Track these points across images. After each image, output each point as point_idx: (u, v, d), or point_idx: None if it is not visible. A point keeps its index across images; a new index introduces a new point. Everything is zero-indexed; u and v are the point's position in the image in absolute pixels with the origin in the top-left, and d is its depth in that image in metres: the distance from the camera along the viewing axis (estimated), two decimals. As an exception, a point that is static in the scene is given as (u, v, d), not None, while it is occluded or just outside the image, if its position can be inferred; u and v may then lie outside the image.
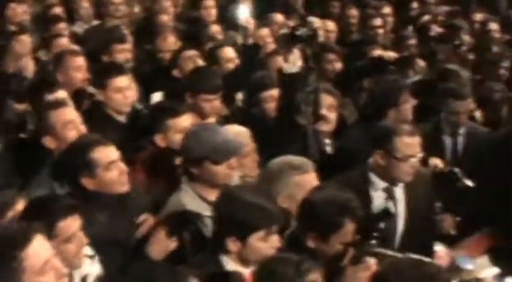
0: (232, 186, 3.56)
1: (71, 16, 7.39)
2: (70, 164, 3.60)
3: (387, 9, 7.98)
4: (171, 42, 6.44)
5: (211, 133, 3.78)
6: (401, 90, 5.11)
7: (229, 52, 6.14)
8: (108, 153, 3.59)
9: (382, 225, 3.48)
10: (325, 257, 3.31)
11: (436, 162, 4.74)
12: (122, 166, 3.61)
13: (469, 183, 4.82)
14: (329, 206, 3.31)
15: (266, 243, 3.14)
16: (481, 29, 7.75)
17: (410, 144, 3.90)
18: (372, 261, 3.17)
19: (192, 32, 7.33)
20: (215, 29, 7.20)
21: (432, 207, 4.33)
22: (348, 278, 3.19)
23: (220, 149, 3.69)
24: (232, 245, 3.15)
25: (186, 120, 4.26)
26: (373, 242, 3.28)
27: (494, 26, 7.68)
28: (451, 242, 5.02)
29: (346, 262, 3.26)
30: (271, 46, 6.67)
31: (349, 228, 3.31)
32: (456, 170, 4.67)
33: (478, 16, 8.23)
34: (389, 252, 3.25)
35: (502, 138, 5.58)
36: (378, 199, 4.00)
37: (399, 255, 3.21)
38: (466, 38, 7.41)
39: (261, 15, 7.80)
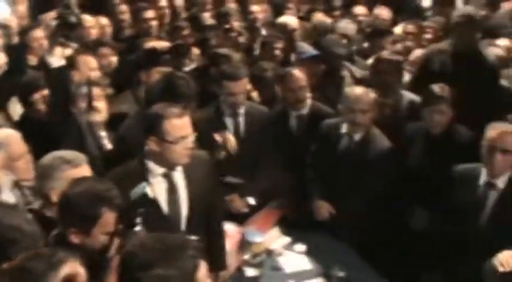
0: None
1: None
2: None
3: (163, 1, 8.04)
4: None
5: None
6: None
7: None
8: None
9: (143, 210, 3.48)
10: (91, 250, 3.24)
11: None
12: None
13: (252, 201, 5.03)
14: (84, 198, 3.23)
15: None
16: (245, 12, 8.02)
17: (179, 125, 3.88)
18: None
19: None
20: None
21: (213, 188, 4.30)
22: (116, 267, 3.16)
23: None
24: None
25: None
26: (138, 228, 3.27)
27: (255, 8, 7.95)
28: (243, 220, 5.17)
29: (113, 252, 3.23)
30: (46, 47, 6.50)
31: (108, 218, 3.25)
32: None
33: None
34: None
35: (278, 114, 5.85)
36: (158, 184, 4.00)
37: None
38: (236, 23, 7.61)
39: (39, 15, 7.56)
